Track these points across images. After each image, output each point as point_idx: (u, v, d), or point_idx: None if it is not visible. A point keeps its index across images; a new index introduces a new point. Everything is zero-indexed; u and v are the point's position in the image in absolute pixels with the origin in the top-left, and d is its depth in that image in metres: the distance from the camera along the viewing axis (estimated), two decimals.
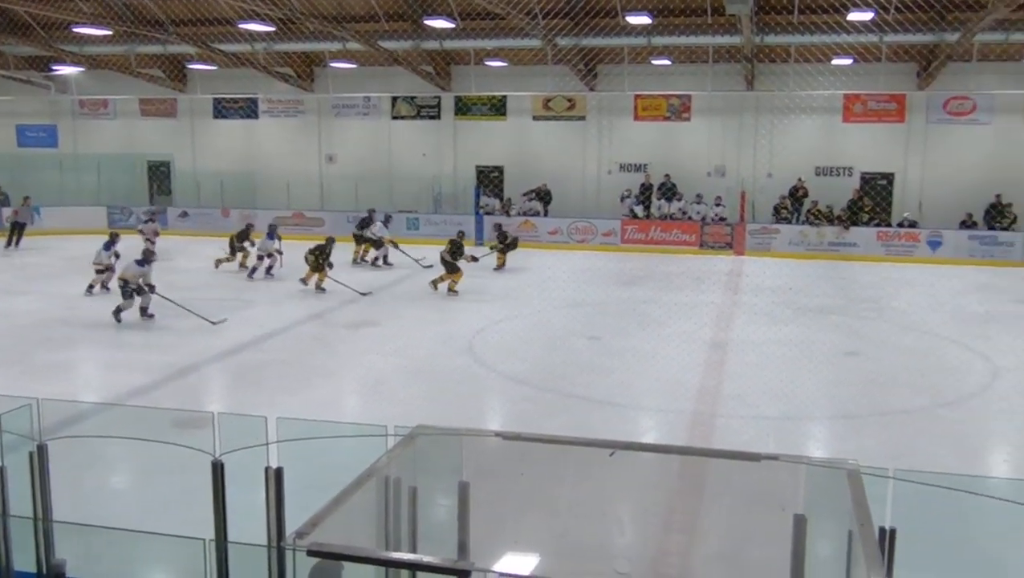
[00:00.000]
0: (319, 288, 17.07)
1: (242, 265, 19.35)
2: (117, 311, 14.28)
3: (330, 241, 17.60)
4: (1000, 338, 13.49)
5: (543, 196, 25.84)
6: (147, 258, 14.73)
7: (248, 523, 4.66)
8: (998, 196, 22.69)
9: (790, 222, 23.73)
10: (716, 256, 22.78)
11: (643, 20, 20.03)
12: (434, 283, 17.32)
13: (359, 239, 21.02)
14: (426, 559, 3.94)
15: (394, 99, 27.35)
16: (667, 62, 23.75)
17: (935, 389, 10.91)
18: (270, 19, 20.46)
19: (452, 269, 17.18)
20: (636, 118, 25.75)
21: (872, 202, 23.76)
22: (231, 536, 4.53)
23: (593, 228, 24.27)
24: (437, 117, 27.29)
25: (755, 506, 4.73)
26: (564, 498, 4.91)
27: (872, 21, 18.43)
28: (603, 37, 21.46)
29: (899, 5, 18.05)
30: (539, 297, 16.71)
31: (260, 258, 18.71)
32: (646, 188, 25.17)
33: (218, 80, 27.53)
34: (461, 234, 18.58)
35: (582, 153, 26.28)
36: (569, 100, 26.10)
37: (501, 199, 26.32)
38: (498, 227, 21.11)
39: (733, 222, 23.58)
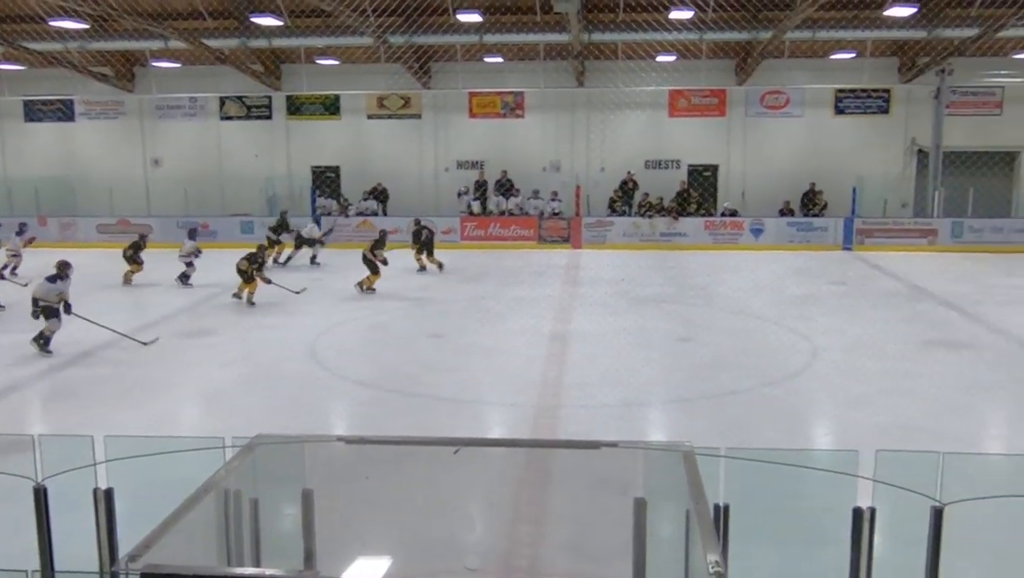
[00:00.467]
0: (250, 301, 15.97)
1: (128, 280, 18.19)
2: (45, 342, 12.44)
3: (261, 249, 16.93)
4: (818, 319, 14.36)
5: (380, 195, 25.67)
6: (62, 272, 12.76)
7: (78, 549, 4.41)
8: (812, 184, 24.17)
9: (624, 215, 24.46)
10: (554, 250, 23.24)
11: (474, 18, 20.18)
12: (360, 285, 17.00)
13: (273, 243, 20.60)
14: (269, 572, 3.85)
15: (222, 99, 26.51)
16: (499, 60, 24.03)
17: (761, 370, 11.48)
18: (83, 16, 19.35)
19: (373, 268, 16.98)
20: (471, 115, 25.96)
21: (698, 193, 24.86)
22: (58, 565, 4.28)
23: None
24: (268, 117, 26.64)
25: (598, 493, 4.85)
26: (411, 499, 4.88)
27: (692, 20, 19.25)
28: (435, 35, 21.54)
29: (716, 4, 18.93)
30: (380, 297, 16.60)
31: (188, 264, 17.89)
32: (482, 185, 25.38)
33: (28, 81, 25.88)
34: (383, 233, 18.20)
35: (419, 151, 26.25)
36: (404, 98, 26.00)
37: (338, 199, 25.95)
38: (416, 222, 20.78)
39: (569, 216, 24.11)
